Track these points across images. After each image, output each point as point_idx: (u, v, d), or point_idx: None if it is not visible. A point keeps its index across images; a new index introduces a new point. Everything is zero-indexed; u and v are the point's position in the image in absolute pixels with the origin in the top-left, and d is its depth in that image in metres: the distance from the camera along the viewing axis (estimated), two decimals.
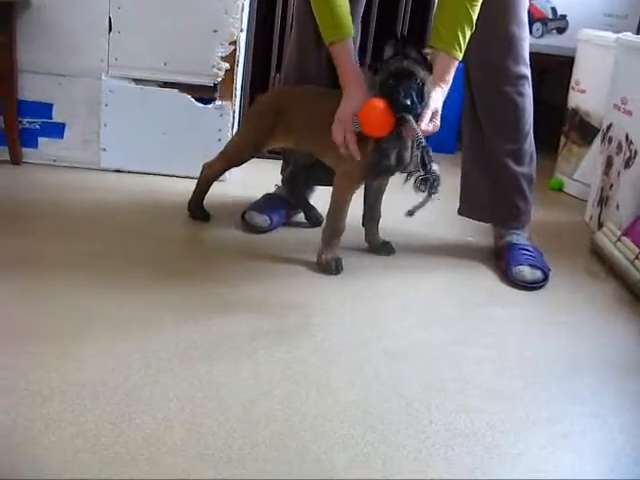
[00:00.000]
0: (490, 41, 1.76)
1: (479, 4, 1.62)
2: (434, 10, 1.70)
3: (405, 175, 1.58)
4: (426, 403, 1.25)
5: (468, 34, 1.63)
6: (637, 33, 2.79)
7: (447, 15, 1.63)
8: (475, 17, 1.62)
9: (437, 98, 1.61)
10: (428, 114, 1.58)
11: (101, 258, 1.67)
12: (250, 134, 1.90)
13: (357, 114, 1.57)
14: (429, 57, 1.62)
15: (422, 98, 1.57)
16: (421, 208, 1.55)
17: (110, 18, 2.20)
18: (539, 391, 1.34)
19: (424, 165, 1.54)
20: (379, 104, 1.54)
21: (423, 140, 1.54)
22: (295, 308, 1.54)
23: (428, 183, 1.54)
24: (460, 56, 1.64)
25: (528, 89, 1.84)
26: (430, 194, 1.54)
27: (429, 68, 1.60)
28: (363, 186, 1.79)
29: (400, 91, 1.53)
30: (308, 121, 1.76)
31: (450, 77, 1.64)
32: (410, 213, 1.55)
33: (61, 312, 1.41)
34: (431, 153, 1.54)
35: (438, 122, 1.60)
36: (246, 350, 1.35)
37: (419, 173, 1.55)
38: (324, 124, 1.71)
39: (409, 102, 1.53)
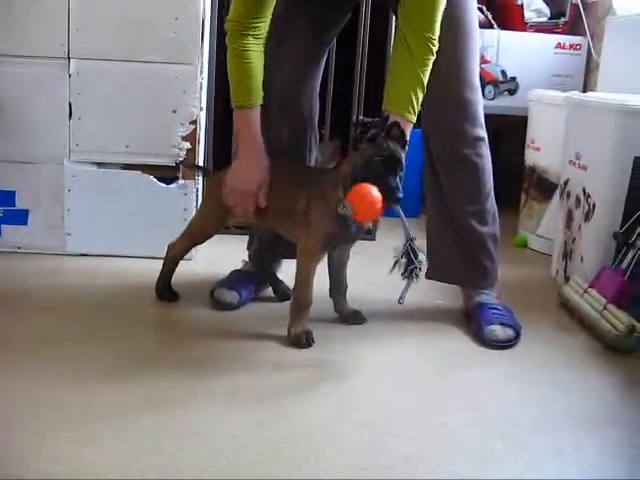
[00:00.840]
0: (446, 107, 1.81)
1: (429, 68, 1.67)
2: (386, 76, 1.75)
3: (393, 263, 1.60)
4: (411, 471, 1.23)
5: (420, 97, 1.68)
6: (583, 91, 2.89)
7: (399, 80, 1.68)
8: (426, 80, 1.67)
9: None
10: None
11: (67, 343, 1.64)
12: (210, 211, 1.91)
13: (349, 200, 1.55)
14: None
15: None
16: (407, 291, 1.61)
17: (70, 104, 2.22)
18: (520, 451, 1.32)
19: (414, 256, 1.59)
20: (376, 195, 1.53)
21: (410, 233, 1.60)
22: (267, 385, 1.52)
23: (414, 272, 1.59)
24: (414, 119, 1.69)
25: (486, 150, 1.89)
26: (415, 279, 1.60)
27: (404, 146, 1.63)
28: (326, 258, 1.80)
29: (396, 184, 1.57)
30: (268, 198, 1.77)
31: (407, 138, 1.67)
32: (401, 300, 1.61)
33: (26, 401, 1.37)
34: (416, 245, 1.60)
35: None
36: (223, 433, 1.32)
37: (405, 262, 1.59)
38: (279, 198, 1.74)
39: (401, 196, 1.57)
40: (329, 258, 1.83)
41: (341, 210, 1.58)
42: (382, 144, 1.59)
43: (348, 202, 1.56)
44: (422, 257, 1.60)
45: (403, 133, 1.62)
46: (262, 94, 1.73)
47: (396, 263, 1.60)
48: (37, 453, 1.22)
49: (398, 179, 1.59)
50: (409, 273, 1.59)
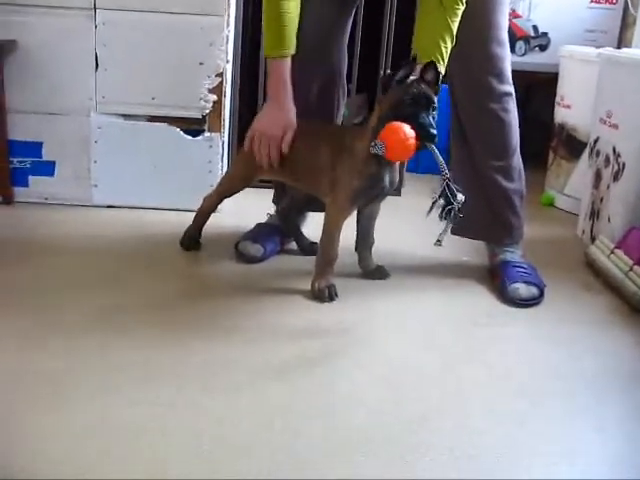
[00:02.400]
0: (473, 61, 1.78)
1: (459, 17, 1.64)
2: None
3: (430, 205, 1.57)
4: (428, 427, 1.24)
5: (450, 47, 1.65)
6: (617, 47, 2.82)
7: (428, 28, 1.66)
8: (455, 30, 1.64)
9: None
10: None
11: (96, 295, 1.66)
12: (240, 167, 1.93)
13: (382, 138, 1.54)
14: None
15: None
16: (446, 234, 1.57)
17: (97, 56, 2.22)
18: (542, 409, 1.33)
19: (452, 196, 1.54)
20: (409, 132, 1.51)
21: (447, 171, 1.55)
22: (290, 337, 1.53)
23: (453, 212, 1.55)
24: (443, 69, 1.66)
25: (513, 106, 1.86)
26: (453, 222, 1.56)
27: (437, 92, 1.61)
28: (355, 212, 1.80)
29: (429, 121, 1.54)
30: (295, 155, 1.77)
31: (439, 83, 1.65)
32: (439, 243, 1.57)
33: (59, 350, 1.40)
34: (454, 183, 1.55)
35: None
36: (245, 381, 1.34)
37: (443, 203, 1.55)
38: (305, 156, 1.73)
39: (435, 132, 1.54)
40: (359, 214, 1.82)
41: (373, 149, 1.56)
42: (411, 84, 1.58)
43: (380, 141, 1.54)
44: (460, 197, 1.55)
45: (438, 74, 1.60)
46: (295, 43, 1.72)
47: (434, 204, 1.56)
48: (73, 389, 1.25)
49: (431, 117, 1.56)
50: (447, 214, 1.55)
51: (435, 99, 1.59)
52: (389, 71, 1.68)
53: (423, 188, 1.61)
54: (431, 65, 1.59)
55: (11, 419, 1.18)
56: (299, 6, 1.71)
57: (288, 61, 1.72)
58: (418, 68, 1.60)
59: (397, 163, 1.70)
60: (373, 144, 1.56)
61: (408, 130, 1.51)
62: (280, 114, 1.75)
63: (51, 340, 1.44)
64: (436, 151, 1.55)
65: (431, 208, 1.56)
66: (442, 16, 1.63)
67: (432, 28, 1.65)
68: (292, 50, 1.72)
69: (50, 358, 1.37)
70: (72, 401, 1.24)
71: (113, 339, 1.46)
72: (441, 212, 1.55)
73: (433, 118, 1.57)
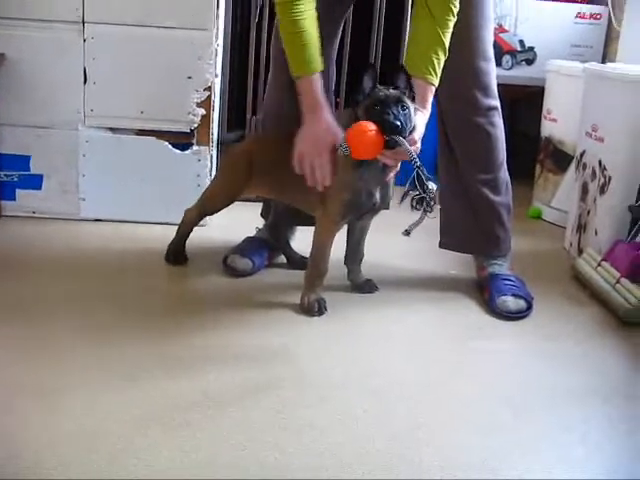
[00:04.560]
0: (459, 75, 1.79)
1: (450, 29, 1.65)
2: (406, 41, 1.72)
3: (402, 194, 1.58)
4: (416, 441, 1.24)
5: (442, 59, 1.66)
6: (602, 62, 2.85)
7: (420, 42, 1.66)
8: (447, 43, 1.65)
9: (420, 123, 1.63)
10: (417, 137, 1.59)
11: (81, 310, 1.65)
12: (225, 185, 1.91)
13: (346, 139, 1.55)
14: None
15: (410, 122, 1.58)
16: (417, 226, 1.57)
17: (85, 69, 2.22)
18: (529, 422, 1.33)
19: (422, 184, 1.55)
20: (368, 125, 1.52)
21: (417, 159, 1.54)
22: (280, 351, 1.53)
23: (425, 202, 1.55)
24: (436, 82, 1.66)
25: (499, 120, 1.88)
26: (426, 212, 1.56)
27: (413, 98, 1.61)
28: (346, 226, 1.80)
29: (390, 113, 1.54)
30: (282, 170, 1.75)
31: (429, 103, 1.67)
32: (407, 232, 1.57)
33: (43, 364, 1.39)
34: (426, 172, 1.55)
35: (419, 146, 1.61)
36: (233, 397, 1.34)
37: (415, 192, 1.55)
38: (293, 172, 1.71)
39: (399, 123, 1.53)
40: (350, 229, 1.82)
41: (340, 151, 1.56)
42: (379, 90, 1.58)
43: (343, 142, 1.55)
44: (432, 186, 1.55)
45: (409, 79, 1.60)
46: (320, 59, 1.68)
47: (405, 194, 1.57)
48: (49, 411, 1.24)
49: (398, 113, 1.55)
50: (418, 203, 1.55)
51: (405, 99, 1.58)
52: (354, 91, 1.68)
53: (408, 201, 1.61)
54: (401, 70, 1.60)
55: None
56: (315, 23, 1.67)
57: (315, 78, 1.67)
58: (403, 78, 1.61)
59: (390, 179, 1.70)
60: (338, 146, 1.56)
61: (369, 124, 1.52)
62: (318, 130, 1.68)
63: (35, 354, 1.43)
64: (404, 142, 1.53)
65: (403, 198, 1.57)
66: (433, 28, 1.63)
67: (423, 41, 1.65)
68: (317, 66, 1.67)
69: (33, 372, 1.36)
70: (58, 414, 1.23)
71: (96, 354, 1.45)
72: (412, 201, 1.56)
73: (403, 115, 1.55)
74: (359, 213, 1.73)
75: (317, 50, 1.67)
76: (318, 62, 1.68)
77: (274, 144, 1.84)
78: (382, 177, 1.67)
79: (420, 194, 1.56)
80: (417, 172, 1.55)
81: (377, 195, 1.69)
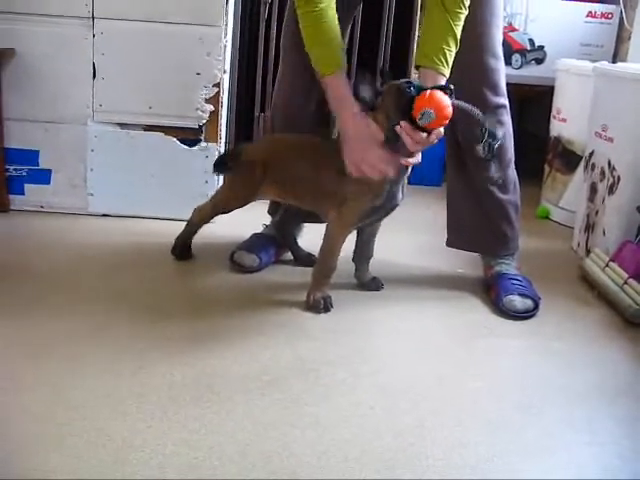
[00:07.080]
0: (468, 73, 1.78)
1: (462, 21, 1.64)
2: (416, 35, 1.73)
3: (481, 146, 1.61)
4: (422, 438, 1.24)
5: (453, 51, 1.65)
6: (613, 62, 2.84)
7: (431, 32, 1.66)
8: (459, 34, 1.64)
9: None
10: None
11: (88, 303, 1.66)
12: (238, 187, 1.88)
13: (427, 106, 1.50)
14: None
15: None
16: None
17: (94, 64, 2.22)
18: (536, 421, 1.33)
19: (493, 133, 1.58)
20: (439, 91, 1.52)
21: (479, 112, 1.57)
22: (286, 348, 1.53)
23: (495, 147, 1.60)
24: (447, 72, 1.65)
25: (507, 118, 1.87)
26: (494, 156, 1.63)
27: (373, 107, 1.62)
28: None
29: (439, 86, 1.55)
30: (297, 173, 1.75)
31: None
32: (499, 180, 1.71)
33: (49, 357, 1.40)
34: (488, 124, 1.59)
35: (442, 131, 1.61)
36: (239, 392, 1.34)
37: (489, 141, 1.58)
38: (312, 176, 1.71)
39: (451, 86, 1.55)
40: (361, 227, 1.81)
41: (421, 120, 1.51)
42: (394, 79, 1.61)
43: (427, 109, 1.50)
44: (501, 132, 1.60)
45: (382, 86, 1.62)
46: (343, 58, 1.68)
47: (484, 145, 1.59)
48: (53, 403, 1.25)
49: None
50: (490, 150, 1.59)
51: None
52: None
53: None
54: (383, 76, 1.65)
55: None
56: (336, 19, 1.66)
57: (339, 76, 1.66)
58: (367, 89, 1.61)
59: (405, 177, 1.70)
60: (421, 115, 1.51)
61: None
62: (356, 130, 1.65)
63: (43, 349, 1.44)
64: (461, 102, 1.56)
65: (483, 148, 1.59)
66: (445, 19, 1.63)
67: (435, 32, 1.65)
68: (340, 65, 1.66)
69: (42, 368, 1.37)
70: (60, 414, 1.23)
71: (101, 348, 1.46)
72: (484, 150, 1.59)
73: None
74: (378, 217, 1.73)
75: (338, 49, 1.67)
76: (340, 60, 1.67)
77: (288, 146, 1.83)
78: (403, 175, 1.68)
79: (493, 142, 1.59)
80: (484, 124, 1.57)
81: (398, 197, 1.69)
